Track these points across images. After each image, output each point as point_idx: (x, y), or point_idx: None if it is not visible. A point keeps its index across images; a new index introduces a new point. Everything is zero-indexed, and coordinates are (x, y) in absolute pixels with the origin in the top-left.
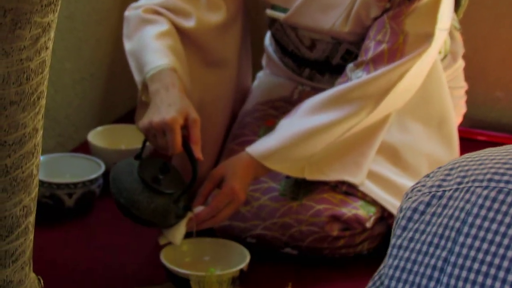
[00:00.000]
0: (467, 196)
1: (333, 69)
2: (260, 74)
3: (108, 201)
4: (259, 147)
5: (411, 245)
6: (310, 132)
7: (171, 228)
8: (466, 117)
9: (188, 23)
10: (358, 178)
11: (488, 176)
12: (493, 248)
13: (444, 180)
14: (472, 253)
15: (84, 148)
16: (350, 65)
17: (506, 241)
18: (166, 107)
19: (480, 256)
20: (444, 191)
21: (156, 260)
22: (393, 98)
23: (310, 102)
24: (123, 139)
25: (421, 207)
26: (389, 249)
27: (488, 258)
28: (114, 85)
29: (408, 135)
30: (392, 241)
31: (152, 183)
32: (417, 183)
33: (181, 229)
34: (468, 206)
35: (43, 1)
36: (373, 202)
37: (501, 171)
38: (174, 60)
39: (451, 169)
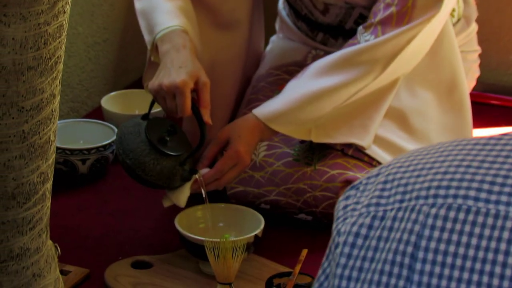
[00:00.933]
0: (413, 216)
1: (346, 33)
2: (273, 38)
3: (120, 167)
4: (265, 109)
5: (362, 275)
6: (317, 94)
7: (175, 190)
8: (479, 81)
9: None
10: (365, 141)
11: (432, 191)
12: (456, 273)
13: (380, 196)
14: (434, 280)
15: (97, 113)
16: (360, 27)
17: (468, 264)
18: (177, 69)
19: (444, 283)
20: (385, 211)
21: (169, 225)
22: (401, 63)
23: (318, 64)
24: (136, 104)
25: (363, 231)
26: (335, 280)
27: (453, 285)
28: (127, 50)
29: (417, 100)
30: (338, 271)
31: (159, 144)
32: (346, 198)
33: (185, 191)
34: (417, 228)
35: None
36: None
37: (444, 183)
38: (185, 21)
39: (385, 182)
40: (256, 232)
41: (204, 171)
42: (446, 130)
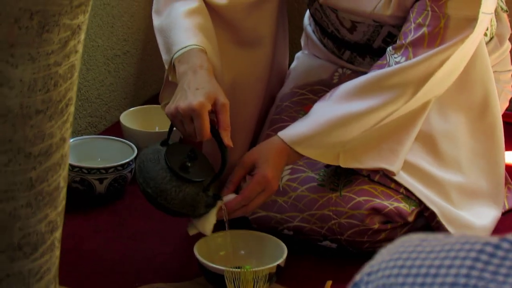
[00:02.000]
0: None
1: (374, 52)
2: (299, 55)
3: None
4: (291, 131)
5: None
6: (345, 118)
7: (201, 217)
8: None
9: (220, 1)
10: (394, 166)
11: None
12: None
13: None
14: None
15: (116, 128)
16: (389, 48)
17: None
18: (193, 91)
19: None
20: None
21: (188, 249)
22: (433, 85)
23: (346, 86)
24: (156, 120)
25: None
26: None
27: None
28: (147, 63)
29: (447, 124)
30: None
31: (180, 171)
32: None
33: (211, 218)
34: None
35: (73, 2)
36: (410, 195)
37: None
38: (204, 40)
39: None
40: (278, 262)
41: (230, 197)
42: (477, 156)
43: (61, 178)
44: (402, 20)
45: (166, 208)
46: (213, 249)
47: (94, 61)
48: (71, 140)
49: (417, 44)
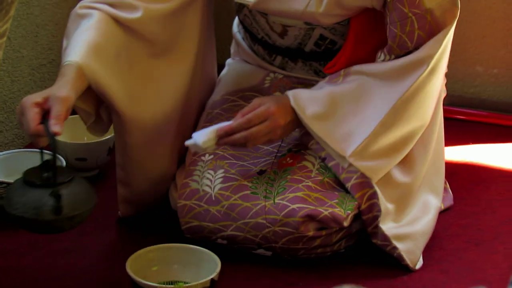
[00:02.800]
0: None
1: (306, 56)
2: (229, 61)
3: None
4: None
5: None
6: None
7: (201, 130)
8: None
9: (132, 15)
10: (377, 175)
11: None
12: None
13: None
14: None
15: None
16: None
17: None
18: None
19: None
20: None
21: (123, 264)
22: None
23: (364, 80)
24: (84, 131)
25: None
26: None
27: None
28: None
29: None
30: None
31: (27, 178)
32: None
33: (210, 133)
34: None
35: None
36: (351, 196)
37: None
38: (85, 55)
39: None
40: (212, 276)
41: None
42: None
43: None
44: (334, 18)
45: (13, 216)
46: (146, 265)
47: (19, 72)
48: None
49: (422, 43)
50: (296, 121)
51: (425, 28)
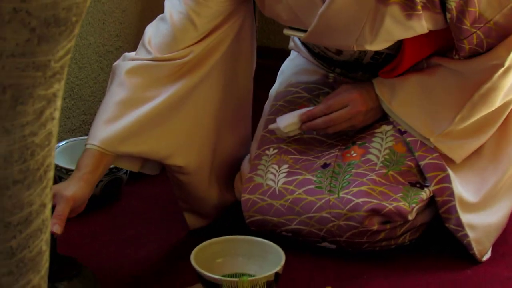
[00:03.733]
0: None
1: (364, 67)
2: (293, 53)
3: (136, 187)
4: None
5: None
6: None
7: (285, 114)
8: None
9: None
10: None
11: None
12: None
13: None
14: None
15: None
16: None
17: None
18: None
19: None
20: None
21: (187, 253)
22: None
23: (445, 71)
24: None
25: None
26: None
27: None
28: None
29: None
30: None
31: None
32: None
33: (292, 117)
34: None
35: (46, 73)
36: (417, 190)
37: None
38: (106, 137)
39: None
40: (276, 270)
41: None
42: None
43: (43, 243)
44: (386, 45)
45: None
46: (211, 257)
47: (87, 59)
48: (65, 142)
49: (493, 46)
50: (379, 109)
51: (492, 36)
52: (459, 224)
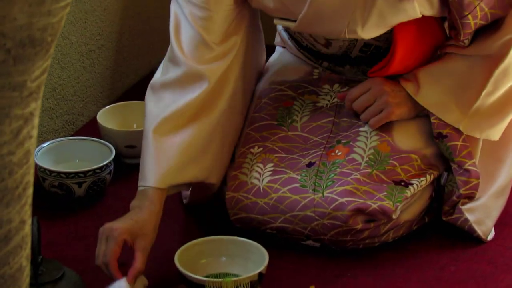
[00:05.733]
0: None
1: (352, 61)
2: (278, 49)
3: (119, 187)
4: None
5: None
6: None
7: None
8: None
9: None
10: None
11: None
12: None
13: None
14: None
15: (94, 124)
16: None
17: None
18: (125, 218)
19: None
20: None
21: (171, 254)
22: None
23: (462, 57)
24: (134, 118)
25: None
26: None
27: None
28: (123, 55)
29: None
30: None
31: None
32: None
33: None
34: None
35: (23, 92)
36: (401, 188)
37: None
38: (168, 173)
39: None
40: (259, 270)
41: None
42: None
43: (23, 259)
44: (377, 32)
45: None
46: (194, 257)
47: (69, 58)
48: (48, 143)
49: (497, 17)
50: (409, 97)
51: (495, 6)
52: (459, 211)
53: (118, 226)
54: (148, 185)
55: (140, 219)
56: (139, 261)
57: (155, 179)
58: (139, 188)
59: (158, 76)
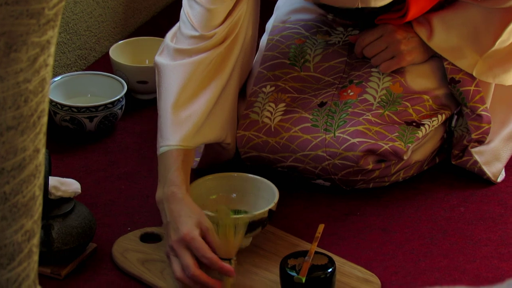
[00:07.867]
0: None
1: (365, 16)
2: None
3: (130, 123)
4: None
5: None
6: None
7: None
8: None
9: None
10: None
11: None
12: None
13: None
14: None
15: (106, 60)
16: None
17: None
18: (179, 222)
19: None
20: None
21: None
22: None
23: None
24: (146, 53)
25: None
26: None
27: None
28: None
29: None
30: None
31: None
32: None
33: None
34: None
35: (40, 20)
36: (413, 129)
37: None
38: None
39: None
40: (269, 207)
41: None
42: None
43: (36, 188)
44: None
45: None
46: (205, 193)
47: None
48: (60, 77)
49: None
50: (421, 42)
51: None
52: (468, 154)
53: (186, 231)
54: (171, 143)
55: (186, 212)
56: (215, 244)
57: (179, 138)
58: (162, 149)
59: (171, 43)
